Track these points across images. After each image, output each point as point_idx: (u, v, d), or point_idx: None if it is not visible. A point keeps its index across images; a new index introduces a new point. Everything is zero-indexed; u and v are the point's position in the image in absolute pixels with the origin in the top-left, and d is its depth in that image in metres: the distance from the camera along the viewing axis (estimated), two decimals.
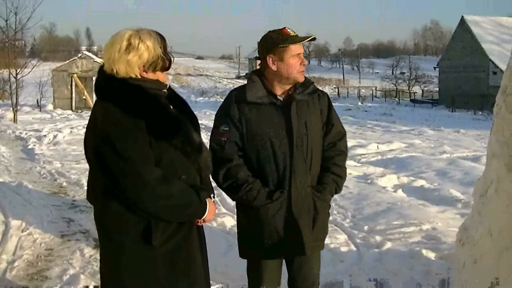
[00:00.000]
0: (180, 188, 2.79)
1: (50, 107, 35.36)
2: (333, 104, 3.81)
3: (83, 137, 2.93)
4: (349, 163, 12.06)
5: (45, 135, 18.31)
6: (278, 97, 3.50)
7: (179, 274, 2.88)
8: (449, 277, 4.90)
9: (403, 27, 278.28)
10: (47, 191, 9.58)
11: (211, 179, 3.42)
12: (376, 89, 66.18)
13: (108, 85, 2.80)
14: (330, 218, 3.94)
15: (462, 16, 51.31)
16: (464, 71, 49.67)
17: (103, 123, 2.71)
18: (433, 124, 28.45)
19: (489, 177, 3.82)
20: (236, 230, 3.74)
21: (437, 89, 57.44)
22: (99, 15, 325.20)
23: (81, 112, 32.99)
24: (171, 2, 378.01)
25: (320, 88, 3.75)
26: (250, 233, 3.56)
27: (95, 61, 35.99)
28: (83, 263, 5.71)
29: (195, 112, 3.12)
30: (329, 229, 4.15)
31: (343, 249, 6.04)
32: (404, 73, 79.77)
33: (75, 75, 35.59)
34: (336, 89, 68.95)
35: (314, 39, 3.51)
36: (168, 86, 2.96)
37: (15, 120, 25.76)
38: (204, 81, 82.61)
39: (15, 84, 27.78)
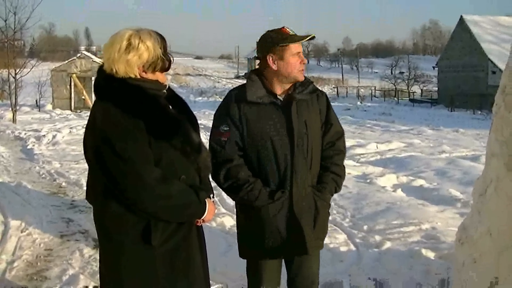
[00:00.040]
0: (180, 188, 2.79)
1: (49, 107, 35.37)
2: (332, 103, 3.82)
3: (82, 137, 2.93)
4: (348, 162, 12.06)
5: (44, 135, 18.30)
6: (278, 96, 3.50)
7: (179, 274, 2.88)
8: (449, 277, 4.90)
9: (402, 27, 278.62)
10: (46, 191, 9.58)
11: (211, 179, 3.43)
12: (375, 88, 66.19)
13: (108, 84, 2.79)
14: (330, 218, 3.95)
15: (461, 16, 51.31)
16: (463, 70, 49.67)
17: (103, 123, 2.70)
18: (432, 123, 28.45)
19: (489, 177, 3.81)
20: (236, 230, 3.74)
21: (436, 88, 57.43)
22: (98, 15, 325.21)
23: (80, 112, 33.00)
24: (170, 2, 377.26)
25: (319, 88, 3.76)
26: (250, 233, 3.55)
27: (94, 61, 36.01)
28: (82, 263, 5.71)
29: (194, 112, 3.12)
30: (329, 229, 4.15)
31: (343, 248, 6.04)
32: (403, 72, 79.73)
33: (74, 75, 35.60)
34: (335, 89, 68.93)
35: (313, 38, 3.52)
36: (167, 86, 2.96)
37: (14, 120, 25.76)
38: (203, 81, 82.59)
39: (14, 84, 27.80)
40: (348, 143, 16.02)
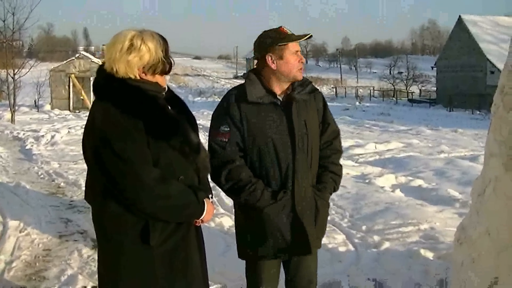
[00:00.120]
0: (179, 188, 2.79)
1: (47, 107, 35.30)
2: (331, 104, 3.85)
3: (81, 137, 2.93)
4: (347, 163, 12.07)
5: (42, 136, 18.28)
6: (278, 96, 3.50)
7: (177, 274, 2.88)
8: (447, 277, 4.90)
9: (400, 27, 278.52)
10: (45, 192, 9.57)
11: (213, 181, 3.43)
12: (373, 89, 66.16)
13: (108, 84, 2.79)
14: (328, 218, 3.95)
15: (460, 16, 51.35)
16: (461, 70, 49.70)
17: (103, 123, 2.70)
18: (431, 123, 28.44)
19: (487, 177, 3.81)
20: (235, 231, 3.73)
21: (435, 88, 57.44)
22: (97, 16, 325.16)
23: (78, 112, 32.97)
24: (175, 5, 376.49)
25: (317, 88, 3.77)
26: (251, 234, 3.54)
27: (93, 62, 36.01)
28: (81, 263, 5.71)
29: (193, 112, 3.12)
30: (327, 229, 4.15)
31: (341, 249, 6.04)
32: (401, 72, 79.84)
33: (72, 75, 35.56)
34: (334, 89, 68.95)
35: (310, 36, 3.53)
36: (166, 89, 2.96)
37: (12, 120, 25.73)
38: (202, 81, 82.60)
39: (13, 85, 27.75)
40: (347, 143, 16.12)
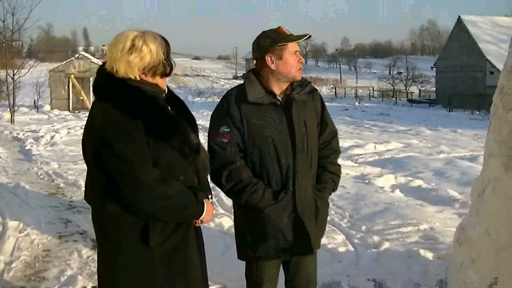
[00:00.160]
0: (178, 189, 2.79)
1: (47, 107, 35.33)
2: (330, 104, 3.87)
3: (80, 138, 2.93)
4: (346, 163, 12.08)
5: (42, 136, 18.30)
6: (277, 96, 3.50)
7: (177, 274, 2.88)
8: (447, 277, 4.90)
9: (400, 27, 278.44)
10: (44, 192, 9.57)
11: (213, 182, 3.43)
12: (373, 89, 66.19)
13: (108, 84, 2.79)
14: (328, 218, 3.95)
15: (459, 16, 51.33)
16: (461, 71, 49.69)
17: (103, 123, 2.70)
18: (430, 124, 28.46)
19: (487, 177, 3.81)
20: (234, 232, 3.73)
21: (434, 89, 57.42)
22: (97, 16, 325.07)
23: (78, 112, 33.00)
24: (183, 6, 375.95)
25: (316, 88, 3.77)
26: (252, 235, 3.53)
27: (92, 62, 36.06)
28: (80, 264, 5.71)
29: (192, 113, 3.11)
30: (327, 229, 4.16)
31: (341, 249, 6.04)
32: (401, 73, 79.82)
33: (72, 75, 35.59)
34: (333, 89, 68.95)
35: (309, 37, 3.54)
36: (166, 91, 2.96)
37: (12, 120, 25.75)
38: (201, 82, 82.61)
39: (12, 85, 27.78)
40: (346, 143, 16.14)
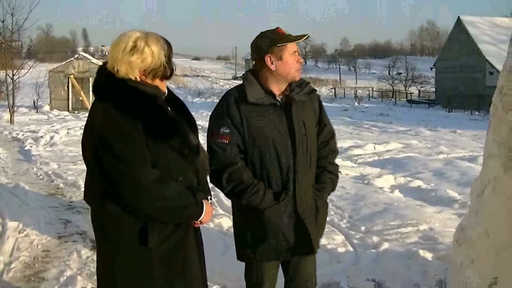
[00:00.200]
0: (177, 189, 2.79)
1: (46, 108, 35.31)
2: (330, 104, 3.88)
3: (80, 138, 2.93)
4: (346, 163, 12.08)
5: (41, 136, 18.29)
6: (277, 97, 3.50)
7: (176, 275, 2.88)
8: (446, 278, 4.90)
9: (399, 28, 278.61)
10: (44, 192, 9.56)
11: (213, 183, 3.43)
12: (372, 89, 66.17)
13: (108, 84, 2.79)
14: (328, 218, 3.96)
15: (459, 17, 51.35)
16: (460, 71, 49.71)
17: (102, 124, 2.70)
18: (430, 124, 28.45)
19: (486, 177, 3.82)
20: (233, 233, 3.73)
21: (434, 89, 57.46)
22: (97, 16, 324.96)
23: (77, 113, 32.96)
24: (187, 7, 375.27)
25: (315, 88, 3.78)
26: (252, 236, 3.53)
27: (92, 62, 36.02)
28: (80, 264, 5.71)
29: (192, 113, 3.11)
30: (327, 229, 4.16)
31: (340, 249, 6.04)
32: (400, 73, 79.84)
33: (71, 76, 35.55)
34: (333, 90, 68.95)
35: (308, 37, 3.57)
36: (166, 94, 2.96)
37: (11, 121, 25.73)
38: (201, 82, 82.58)
39: (12, 85, 27.76)
40: (346, 144, 16.14)
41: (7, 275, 5.40)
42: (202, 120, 18.76)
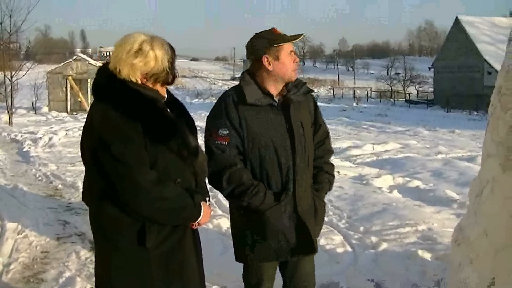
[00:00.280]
0: (175, 191, 2.79)
1: (45, 109, 35.31)
2: (328, 105, 3.90)
3: (78, 139, 2.93)
4: (344, 164, 12.09)
5: (40, 138, 18.25)
6: (274, 98, 3.50)
7: (173, 276, 2.89)
8: (445, 278, 4.90)
9: (397, 28, 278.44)
10: (42, 194, 9.55)
11: (212, 185, 3.43)
12: (371, 89, 66.16)
13: (109, 84, 2.79)
14: (326, 219, 3.97)
15: (457, 16, 51.39)
16: (459, 71, 49.73)
17: (101, 125, 2.70)
18: (428, 124, 28.47)
19: (485, 177, 3.82)
20: (232, 234, 3.73)
21: (432, 89, 57.50)
22: (96, 17, 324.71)
23: (76, 114, 32.93)
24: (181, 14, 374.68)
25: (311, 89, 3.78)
26: (252, 237, 3.52)
27: (90, 64, 35.97)
28: (79, 265, 5.70)
29: (190, 114, 3.11)
30: (325, 230, 4.16)
31: (339, 250, 6.04)
32: (399, 73, 79.85)
33: (70, 77, 35.52)
34: (331, 90, 69.03)
35: (303, 36, 3.58)
36: (165, 98, 2.95)
37: (10, 122, 25.71)
38: (199, 83, 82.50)
39: (10, 87, 27.72)
40: (344, 144, 16.15)
41: (6, 276, 5.40)
42: (201, 121, 18.74)
